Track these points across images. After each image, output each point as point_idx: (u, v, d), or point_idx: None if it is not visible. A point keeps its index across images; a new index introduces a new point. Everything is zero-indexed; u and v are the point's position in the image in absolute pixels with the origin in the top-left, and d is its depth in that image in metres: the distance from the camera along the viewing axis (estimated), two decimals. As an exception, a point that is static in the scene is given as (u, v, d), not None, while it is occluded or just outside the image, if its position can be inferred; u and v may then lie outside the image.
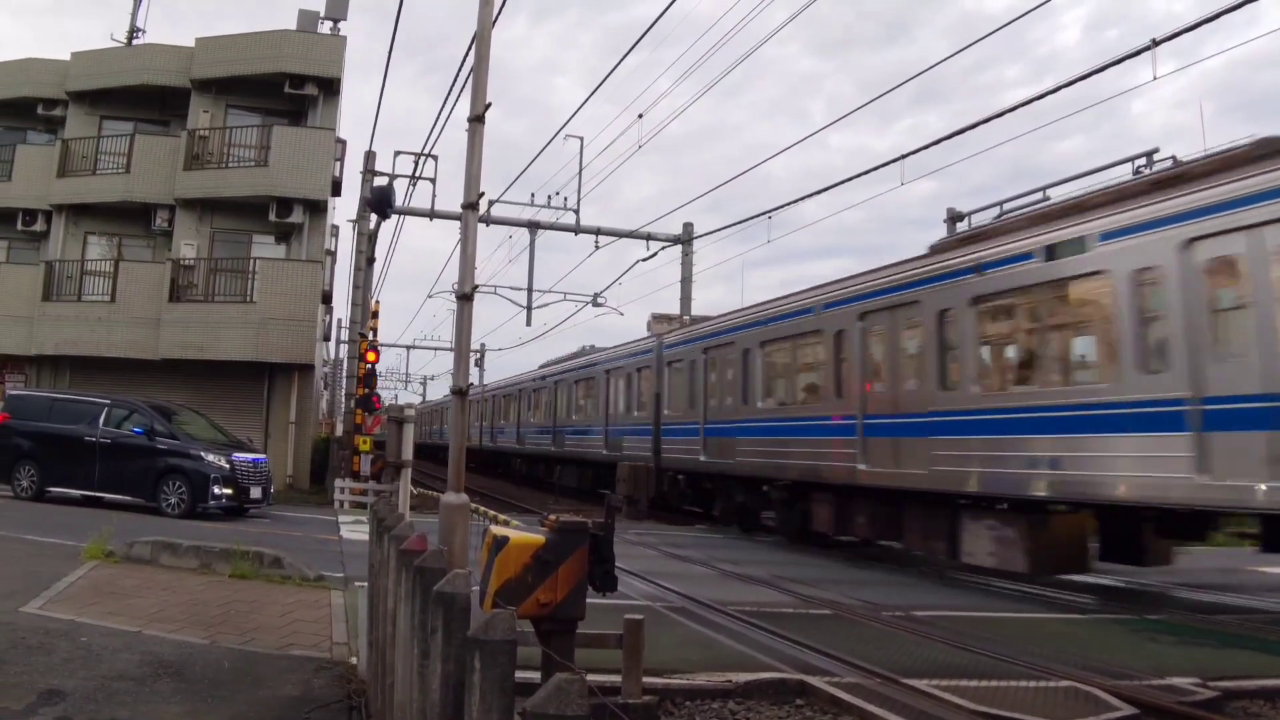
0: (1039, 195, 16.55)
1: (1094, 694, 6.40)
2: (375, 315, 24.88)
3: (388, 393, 67.90)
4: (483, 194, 8.14)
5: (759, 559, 14.52)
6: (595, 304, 29.79)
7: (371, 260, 25.80)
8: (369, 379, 23.13)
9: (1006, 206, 17.12)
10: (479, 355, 60.97)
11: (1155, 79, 11.95)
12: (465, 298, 7.94)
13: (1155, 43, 12.34)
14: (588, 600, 4.82)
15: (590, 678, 4.14)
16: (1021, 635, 8.72)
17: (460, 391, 7.88)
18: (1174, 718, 6.14)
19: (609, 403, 26.57)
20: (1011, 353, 12.98)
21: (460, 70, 14.10)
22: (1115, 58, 13.06)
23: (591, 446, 27.52)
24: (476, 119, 7.85)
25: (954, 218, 20.29)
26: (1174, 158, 12.86)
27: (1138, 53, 12.67)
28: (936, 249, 14.30)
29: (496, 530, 4.91)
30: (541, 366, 36.24)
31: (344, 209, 41.78)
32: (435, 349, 61.77)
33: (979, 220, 16.73)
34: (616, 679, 5.50)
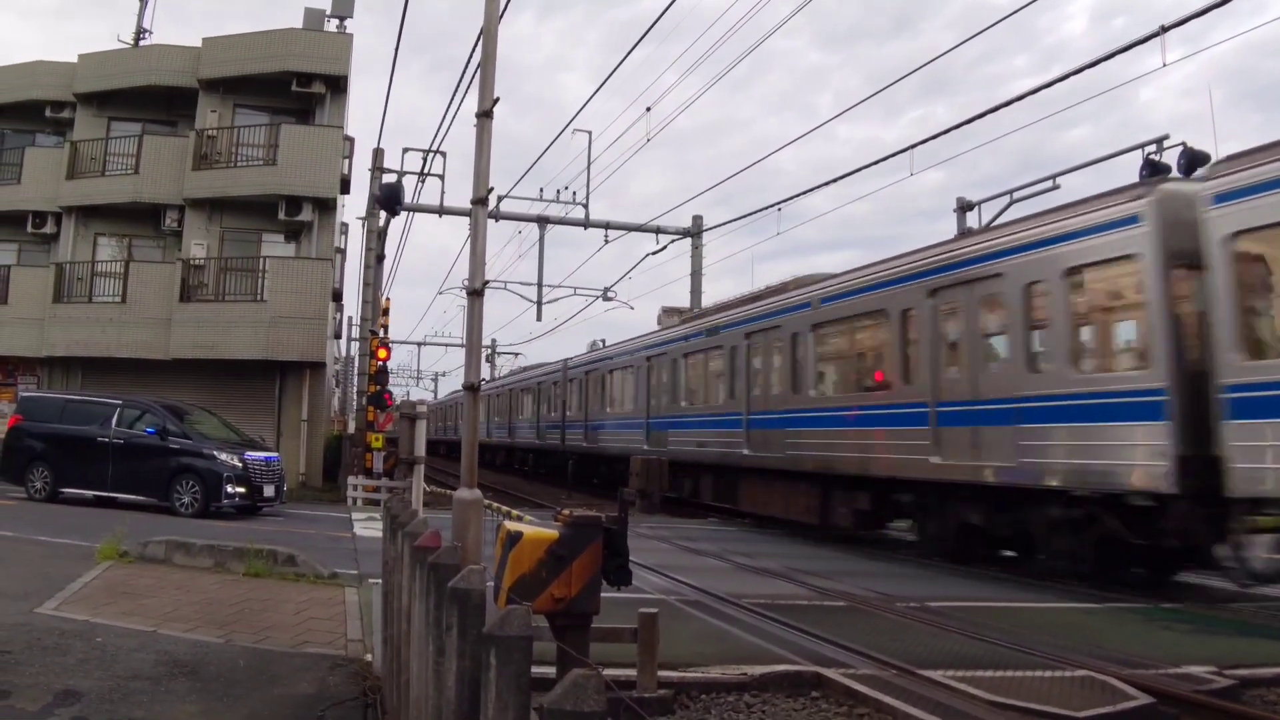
0: (1049, 184, 16.56)
1: (1110, 683, 6.38)
2: (386, 312, 24.91)
3: (399, 389, 68.00)
4: (491, 189, 8.13)
5: (773, 552, 14.51)
6: (605, 298, 29.83)
7: (381, 257, 25.83)
8: (381, 376, 23.12)
9: (1016, 196, 17.14)
10: (490, 351, 61.10)
11: (1165, 66, 11.81)
12: (476, 293, 7.94)
13: (1164, 29, 12.29)
14: (602, 594, 4.82)
15: (606, 672, 4.15)
16: (1036, 625, 8.70)
17: (472, 387, 7.88)
18: (1191, 706, 6.11)
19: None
20: None
21: (467, 66, 14.12)
22: (1124, 45, 13.02)
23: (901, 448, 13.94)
24: (485, 114, 7.84)
25: (964, 207, 20.27)
26: (1184, 144, 12.82)
27: (1147, 39, 12.62)
28: None
29: (510, 526, 4.92)
30: (720, 309, 21.69)
31: (353, 206, 41.79)
32: (446, 345, 61.88)
33: (989, 210, 16.63)
34: (632, 673, 5.51)
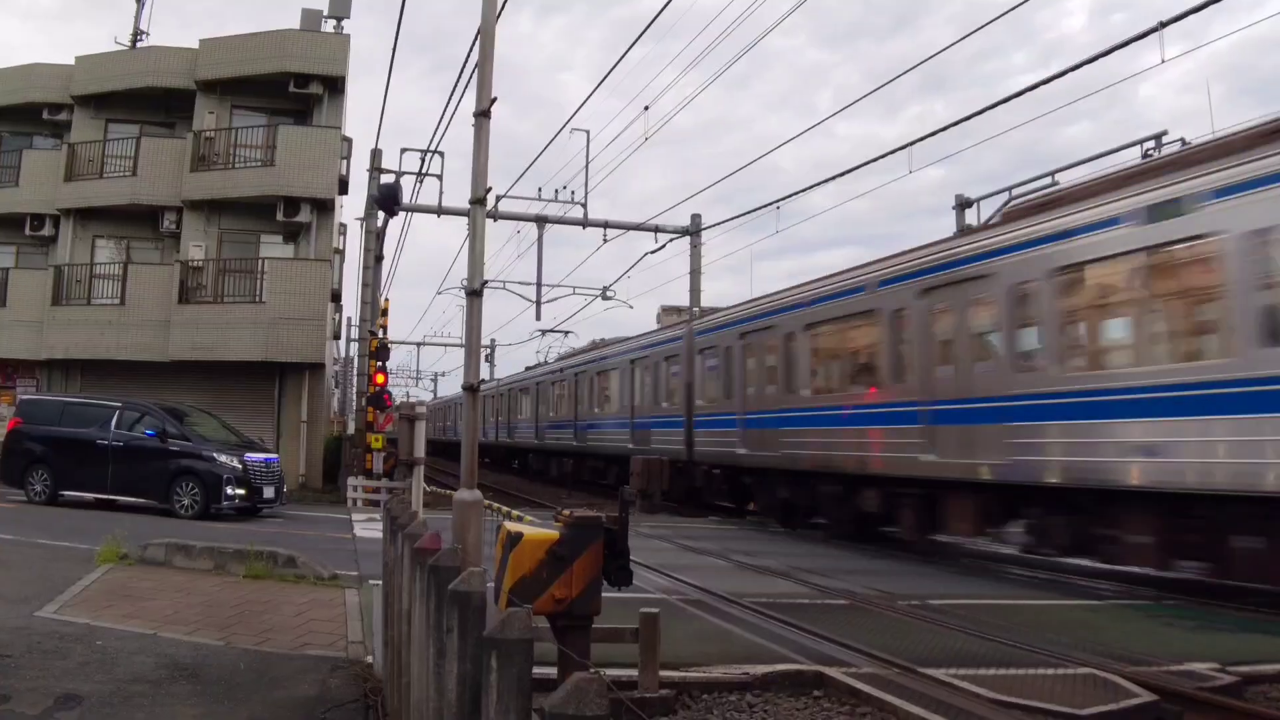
0: (1048, 180, 16.52)
1: (1113, 680, 6.36)
2: (385, 313, 24.87)
3: (399, 390, 67.73)
4: (490, 189, 8.12)
5: (774, 550, 14.49)
6: (604, 297, 29.73)
7: (380, 258, 25.79)
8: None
9: (1015, 192, 17.08)
10: (489, 351, 61.08)
11: (1163, 61, 11.80)
12: (475, 294, 7.94)
13: (1162, 25, 12.26)
14: (603, 595, 4.80)
15: (607, 672, 4.13)
16: (1038, 622, 8.67)
17: (471, 388, 7.87)
18: (1194, 703, 6.09)
19: None
20: None
21: (465, 66, 14.10)
22: (1122, 40, 13.00)
23: None
24: (482, 114, 7.84)
25: (963, 204, 20.23)
26: (1182, 140, 12.80)
27: (1145, 35, 12.59)
28: None
29: (510, 527, 4.90)
30: (1075, 196, 11.79)
31: (352, 207, 41.54)
32: (445, 345, 61.71)
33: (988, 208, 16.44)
34: (633, 673, 5.50)
